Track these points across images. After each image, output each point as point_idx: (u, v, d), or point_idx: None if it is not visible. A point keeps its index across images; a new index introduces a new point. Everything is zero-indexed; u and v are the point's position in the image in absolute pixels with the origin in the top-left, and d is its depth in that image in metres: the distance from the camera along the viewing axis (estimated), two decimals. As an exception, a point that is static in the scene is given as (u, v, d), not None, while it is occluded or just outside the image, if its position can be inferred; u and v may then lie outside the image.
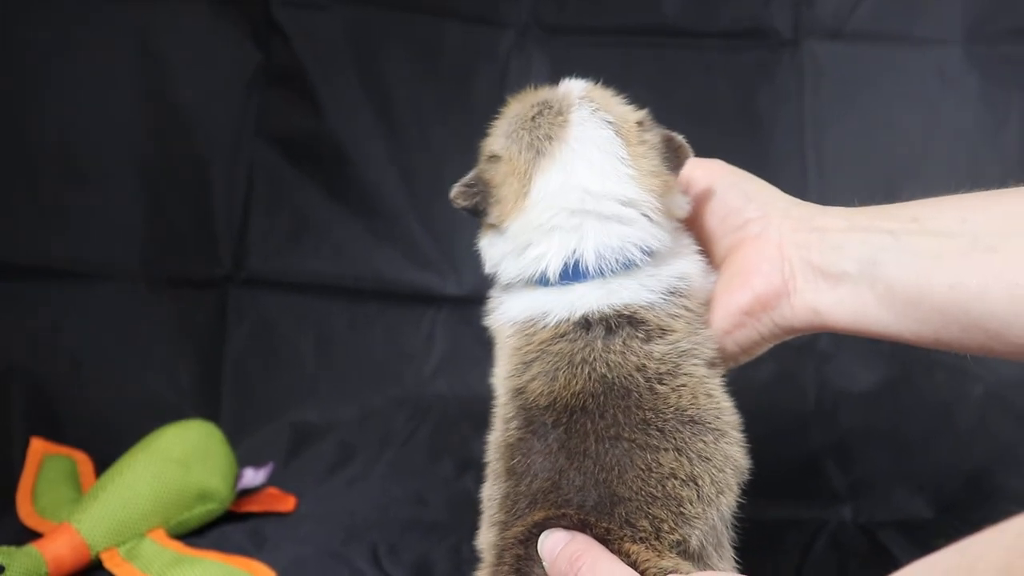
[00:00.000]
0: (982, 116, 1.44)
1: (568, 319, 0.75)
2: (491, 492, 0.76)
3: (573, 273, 0.76)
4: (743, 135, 1.48)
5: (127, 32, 1.42)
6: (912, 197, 1.49)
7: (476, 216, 0.81)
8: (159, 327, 1.40)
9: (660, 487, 0.71)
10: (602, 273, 0.75)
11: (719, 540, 0.75)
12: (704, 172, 0.86)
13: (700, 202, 0.85)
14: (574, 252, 0.75)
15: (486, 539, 0.76)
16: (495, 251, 0.80)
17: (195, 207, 1.45)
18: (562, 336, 0.75)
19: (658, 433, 0.72)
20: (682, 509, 0.71)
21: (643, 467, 0.71)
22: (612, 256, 0.75)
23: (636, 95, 1.49)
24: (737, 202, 0.84)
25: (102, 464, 1.22)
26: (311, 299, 1.45)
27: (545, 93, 0.83)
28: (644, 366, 0.74)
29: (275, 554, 1.09)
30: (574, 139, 0.78)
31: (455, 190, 0.81)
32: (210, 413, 1.35)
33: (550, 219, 0.76)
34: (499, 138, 0.82)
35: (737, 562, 1.00)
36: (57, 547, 1.01)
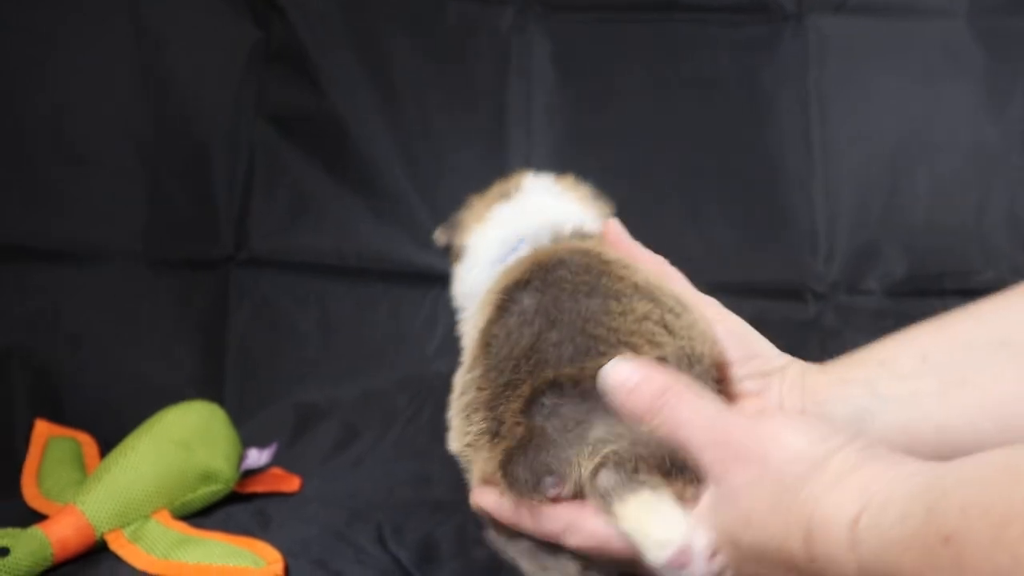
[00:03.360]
0: (986, 90, 1.43)
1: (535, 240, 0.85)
2: (466, 378, 0.77)
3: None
4: (747, 111, 1.47)
5: (123, 11, 1.42)
6: (916, 172, 1.49)
7: (450, 252, 0.92)
8: (160, 308, 1.40)
9: (637, 325, 0.72)
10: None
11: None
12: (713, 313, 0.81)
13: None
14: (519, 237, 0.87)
15: (461, 428, 0.77)
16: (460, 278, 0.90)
17: (195, 187, 1.44)
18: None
19: (632, 288, 0.75)
20: (657, 340, 0.72)
21: (619, 312, 0.73)
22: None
23: (638, 71, 1.49)
24: (740, 352, 0.80)
25: (106, 446, 1.22)
26: (313, 279, 1.45)
27: None
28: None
29: (280, 534, 1.09)
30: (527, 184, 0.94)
31: (437, 231, 0.94)
32: (213, 394, 1.35)
33: (503, 226, 0.89)
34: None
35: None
36: (62, 528, 1.00)
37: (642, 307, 0.74)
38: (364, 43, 1.47)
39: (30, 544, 0.95)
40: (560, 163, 1.46)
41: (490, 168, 1.48)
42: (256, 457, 1.22)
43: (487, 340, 0.76)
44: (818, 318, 1.42)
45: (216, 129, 1.45)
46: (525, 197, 0.92)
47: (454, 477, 1.26)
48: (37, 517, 1.06)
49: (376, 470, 1.29)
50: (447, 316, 1.45)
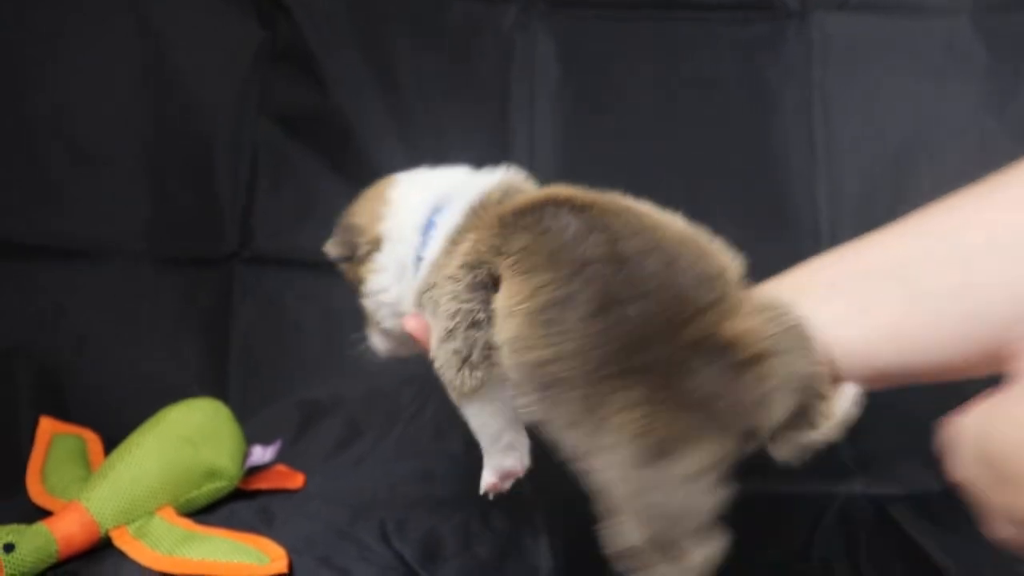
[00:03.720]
0: (990, 88, 1.43)
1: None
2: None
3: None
4: (750, 110, 1.47)
5: (126, 10, 1.41)
6: (920, 171, 1.48)
7: (351, 259, 0.89)
8: (164, 306, 1.40)
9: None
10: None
11: None
12: None
13: None
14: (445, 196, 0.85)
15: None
16: (384, 283, 0.88)
17: (199, 185, 1.44)
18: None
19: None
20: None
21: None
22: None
23: (641, 69, 1.49)
24: None
25: (110, 443, 1.23)
26: (318, 276, 1.44)
27: None
28: None
29: (284, 531, 1.09)
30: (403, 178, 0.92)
31: (327, 245, 0.89)
32: (217, 391, 1.35)
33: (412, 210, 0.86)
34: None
35: (746, 537, 1.00)
36: (67, 525, 1.01)
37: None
38: (369, 42, 1.47)
39: (35, 540, 0.96)
40: (563, 160, 1.47)
41: (493, 163, 1.48)
42: (260, 454, 1.22)
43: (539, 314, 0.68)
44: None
45: (220, 128, 1.45)
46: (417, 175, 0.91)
47: (458, 474, 1.26)
48: (42, 514, 1.07)
49: (379, 467, 1.29)
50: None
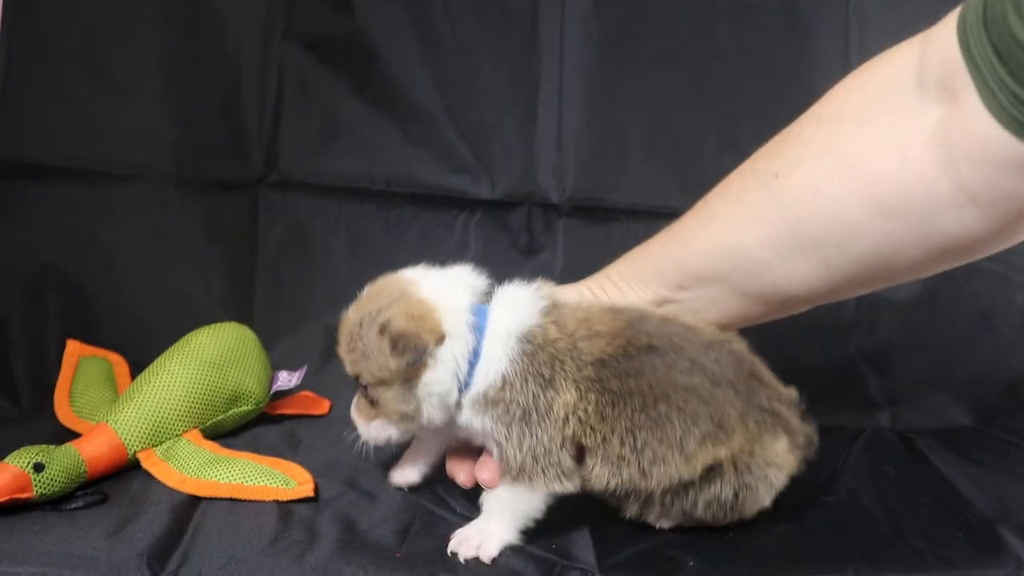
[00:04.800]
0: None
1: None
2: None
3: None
4: (785, 36, 1.44)
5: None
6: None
7: (418, 362, 0.90)
8: (191, 230, 1.40)
9: None
10: None
11: None
12: None
13: None
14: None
15: None
16: (441, 387, 0.91)
17: (225, 109, 1.43)
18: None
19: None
20: None
21: None
22: None
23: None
24: None
25: (136, 366, 1.23)
26: (343, 202, 1.43)
27: None
28: None
29: (309, 456, 1.09)
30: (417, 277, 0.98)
31: (396, 365, 0.90)
32: (243, 316, 1.35)
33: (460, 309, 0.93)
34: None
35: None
36: (95, 446, 1.01)
37: None
38: (396, -37, 1.44)
39: (64, 460, 0.96)
40: (591, 87, 1.44)
41: (521, 92, 1.46)
42: (286, 379, 1.22)
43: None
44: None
45: (246, 51, 1.44)
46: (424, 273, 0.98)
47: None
48: (70, 435, 1.07)
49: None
50: (478, 240, 1.45)
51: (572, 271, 1.17)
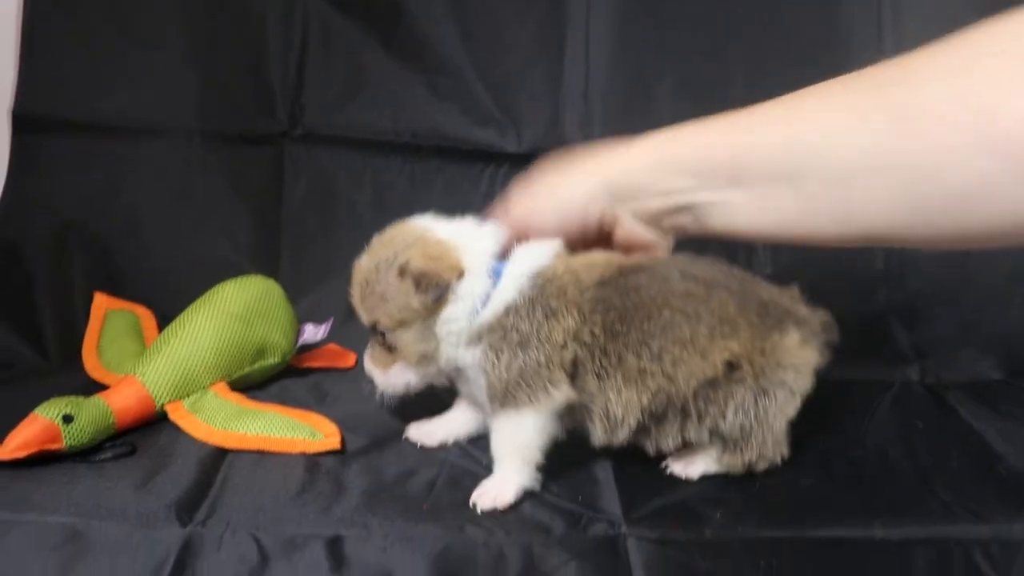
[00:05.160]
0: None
1: None
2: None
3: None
4: (814, 5, 1.42)
5: None
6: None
7: (443, 297, 0.93)
8: (216, 184, 1.40)
9: None
10: None
11: None
12: None
13: None
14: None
15: None
16: (458, 323, 0.94)
17: (249, 62, 1.42)
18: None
19: None
20: None
21: None
22: None
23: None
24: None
25: (163, 319, 1.24)
26: (369, 155, 1.43)
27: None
28: None
29: (335, 408, 1.10)
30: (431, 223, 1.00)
31: (422, 299, 0.93)
32: (269, 269, 1.35)
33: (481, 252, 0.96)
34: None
35: (802, 422, 1.00)
36: (123, 398, 1.02)
37: None
38: (421, -87, 1.42)
39: (93, 412, 0.97)
40: (618, 39, 1.43)
41: (548, 44, 1.44)
42: (312, 332, 1.22)
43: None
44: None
45: (271, 3, 1.42)
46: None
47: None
48: (98, 387, 1.08)
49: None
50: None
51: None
